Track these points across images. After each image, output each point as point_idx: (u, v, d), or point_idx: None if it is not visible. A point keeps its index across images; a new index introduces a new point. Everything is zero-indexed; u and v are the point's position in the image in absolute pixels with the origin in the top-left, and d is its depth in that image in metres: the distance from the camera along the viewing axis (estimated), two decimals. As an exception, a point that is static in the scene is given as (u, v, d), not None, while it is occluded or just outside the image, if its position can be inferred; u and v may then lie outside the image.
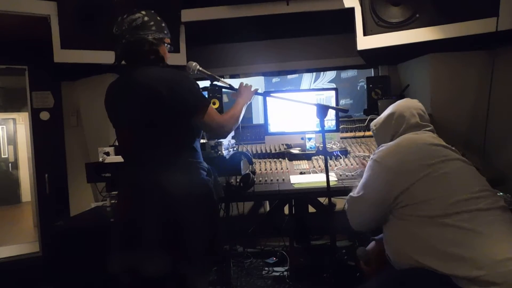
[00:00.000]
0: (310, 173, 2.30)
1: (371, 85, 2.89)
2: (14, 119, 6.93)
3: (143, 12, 1.52)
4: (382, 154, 1.46)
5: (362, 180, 1.51)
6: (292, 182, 2.18)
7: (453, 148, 1.49)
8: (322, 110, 1.73)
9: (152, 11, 1.57)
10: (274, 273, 2.82)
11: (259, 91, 1.95)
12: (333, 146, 2.58)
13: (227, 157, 2.15)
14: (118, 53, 1.54)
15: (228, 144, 2.35)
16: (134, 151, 1.58)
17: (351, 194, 1.56)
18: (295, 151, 2.55)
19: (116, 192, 2.24)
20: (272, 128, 2.63)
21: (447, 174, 1.33)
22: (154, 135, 1.52)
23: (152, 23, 1.52)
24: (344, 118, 2.85)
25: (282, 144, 2.70)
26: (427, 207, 1.28)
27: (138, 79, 1.50)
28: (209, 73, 1.88)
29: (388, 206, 1.38)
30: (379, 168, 1.44)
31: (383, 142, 1.60)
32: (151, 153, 1.52)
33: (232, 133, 2.52)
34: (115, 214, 1.64)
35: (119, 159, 1.80)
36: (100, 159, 2.17)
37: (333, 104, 2.63)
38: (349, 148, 2.56)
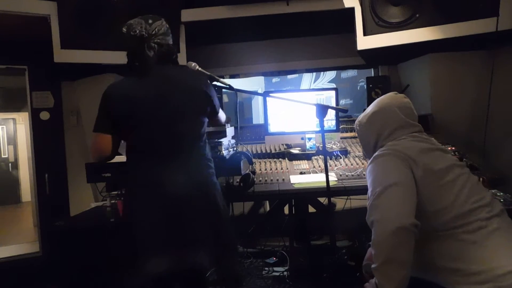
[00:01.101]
0: (310, 173, 2.30)
1: (371, 85, 2.88)
2: (14, 119, 6.94)
3: (163, 18, 1.66)
4: (379, 154, 1.38)
5: (371, 183, 1.32)
6: (292, 182, 2.18)
7: (447, 149, 1.45)
8: (322, 110, 1.73)
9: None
10: (274, 273, 2.81)
11: (259, 91, 1.95)
12: (333, 146, 2.59)
13: (227, 157, 2.15)
14: (143, 54, 1.58)
15: (228, 144, 2.35)
16: (161, 148, 1.57)
17: (370, 201, 1.29)
18: (295, 151, 2.55)
19: (116, 192, 2.23)
20: (272, 128, 2.63)
21: (451, 183, 1.28)
22: (190, 126, 1.61)
23: (169, 30, 1.68)
24: (344, 118, 2.85)
25: (282, 144, 2.70)
26: (431, 220, 1.23)
27: (175, 73, 1.64)
28: (208, 73, 1.88)
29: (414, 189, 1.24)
30: (384, 159, 1.33)
31: (367, 143, 1.53)
32: (184, 146, 1.59)
33: (232, 133, 2.53)
34: (133, 214, 1.55)
35: (120, 159, 1.78)
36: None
37: (333, 104, 2.63)
38: (349, 148, 2.56)
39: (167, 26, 1.65)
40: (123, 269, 1.52)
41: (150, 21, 1.59)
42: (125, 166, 1.67)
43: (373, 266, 1.20)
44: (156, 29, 1.59)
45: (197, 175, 1.58)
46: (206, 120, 1.68)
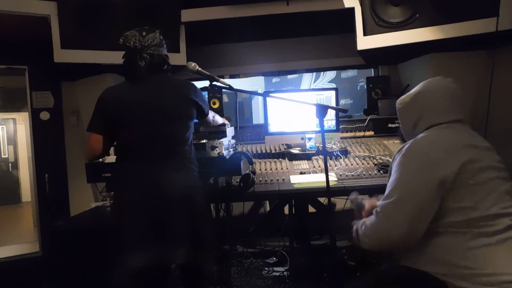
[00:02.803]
0: (310, 173, 2.30)
1: (371, 85, 2.89)
2: (14, 119, 6.93)
3: (158, 31, 1.78)
4: (412, 148, 1.32)
5: (392, 182, 1.30)
6: (292, 182, 2.18)
7: (489, 145, 1.37)
8: (322, 110, 1.73)
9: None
10: (274, 273, 2.82)
11: (259, 91, 1.97)
12: (333, 146, 2.58)
13: (227, 157, 2.15)
14: (135, 64, 1.71)
15: (228, 144, 2.35)
16: (146, 149, 1.70)
17: (379, 202, 1.33)
18: (295, 151, 2.55)
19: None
20: (272, 128, 2.63)
21: (481, 185, 1.23)
22: (175, 130, 1.73)
23: (164, 41, 1.79)
24: (344, 118, 2.84)
25: (282, 144, 2.70)
26: (451, 216, 1.22)
27: (164, 82, 1.77)
28: (208, 73, 1.89)
29: (433, 208, 1.22)
30: (412, 162, 1.29)
31: (406, 126, 1.48)
32: (169, 148, 1.72)
33: (232, 133, 2.53)
34: (125, 211, 1.65)
35: (120, 158, 1.84)
36: (100, 159, 2.17)
37: (333, 104, 2.63)
38: (349, 148, 2.56)
39: (161, 37, 1.78)
40: (112, 265, 1.62)
41: (144, 33, 1.73)
42: (114, 165, 1.83)
43: (361, 232, 1.36)
44: (149, 41, 1.72)
45: (179, 177, 1.69)
46: (192, 125, 1.81)
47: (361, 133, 2.80)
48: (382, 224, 1.28)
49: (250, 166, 2.27)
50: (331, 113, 2.60)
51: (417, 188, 1.24)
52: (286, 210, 2.77)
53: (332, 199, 1.76)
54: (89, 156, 1.77)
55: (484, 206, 1.21)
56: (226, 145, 2.23)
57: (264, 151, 2.64)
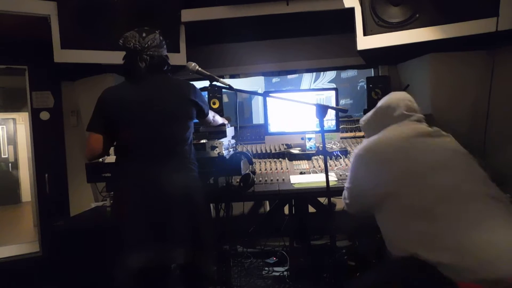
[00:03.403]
0: (310, 173, 2.30)
1: (371, 85, 2.88)
2: (14, 119, 6.93)
3: (158, 31, 1.78)
4: (363, 149, 1.54)
5: (350, 173, 1.62)
6: (292, 182, 2.18)
7: (445, 133, 1.52)
8: (322, 110, 1.73)
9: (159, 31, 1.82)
10: (274, 273, 2.82)
11: (259, 91, 1.97)
12: (333, 146, 2.59)
13: (227, 157, 2.15)
14: (135, 65, 1.73)
15: (228, 144, 2.35)
16: (146, 149, 1.70)
17: (345, 184, 1.68)
18: (295, 151, 2.55)
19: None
20: (272, 128, 2.63)
21: (433, 186, 1.33)
22: (175, 130, 1.74)
23: (164, 42, 1.79)
24: (344, 118, 2.84)
25: (282, 144, 2.70)
26: (413, 201, 1.33)
27: (164, 82, 1.78)
28: (208, 73, 1.89)
29: (373, 201, 1.45)
30: (361, 163, 1.53)
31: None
32: (169, 148, 1.73)
33: (232, 133, 2.53)
34: (125, 211, 1.66)
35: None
36: (100, 159, 2.17)
37: (333, 104, 2.63)
38: (349, 148, 2.56)
39: (161, 38, 1.78)
40: (112, 265, 1.63)
41: (144, 35, 1.73)
42: (114, 165, 1.82)
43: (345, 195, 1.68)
44: (149, 42, 1.72)
45: (179, 177, 1.70)
46: (192, 125, 1.82)
47: (361, 133, 2.80)
48: (344, 202, 1.69)
49: (250, 166, 2.27)
50: (331, 113, 2.60)
51: (363, 189, 1.52)
52: (286, 210, 2.77)
53: (332, 199, 1.76)
54: (89, 155, 1.78)
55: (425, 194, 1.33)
56: (226, 145, 2.23)
57: (264, 151, 2.64)
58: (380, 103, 1.68)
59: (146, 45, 1.71)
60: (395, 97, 1.65)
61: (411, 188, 1.35)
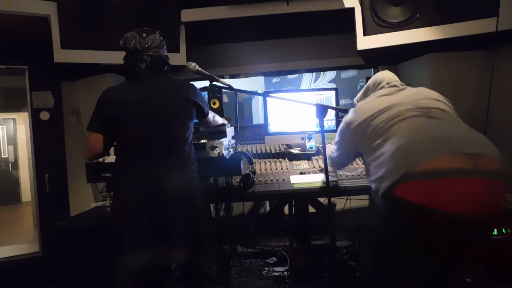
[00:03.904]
0: (310, 173, 2.30)
1: (371, 85, 2.88)
2: (14, 119, 6.93)
3: (158, 32, 1.79)
4: (348, 118, 1.70)
5: (336, 140, 1.83)
6: (292, 182, 2.18)
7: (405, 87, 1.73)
8: (322, 110, 1.73)
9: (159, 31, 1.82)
10: (274, 273, 2.82)
11: (259, 91, 1.97)
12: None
13: (227, 157, 2.15)
14: (136, 65, 1.73)
15: (228, 144, 2.35)
16: (146, 149, 1.71)
17: (330, 154, 1.93)
18: (295, 151, 2.55)
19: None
20: (272, 128, 2.63)
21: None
22: (175, 130, 1.74)
23: (164, 42, 1.79)
24: (344, 118, 2.84)
25: (282, 144, 2.70)
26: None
27: (164, 82, 1.78)
28: (208, 73, 1.89)
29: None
30: (346, 130, 1.71)
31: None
32: (169, 148, 1.73)
33: (232, 133, 2.53)
34: (125, 211, 1.65)
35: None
36: (100, 159, 2.17)
37: (333, 104, 2.63)
38: (349, 148, 2.56)
39: (161, 38, 1.78)
40: (112, 265, 1.62)
41: (144, 35, 1.73)
42: (114, 164, 1.83)
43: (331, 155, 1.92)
44: (149, 43, 1.72)
45: (179, 177, 1.71)
46: (192, 125, 1.82)
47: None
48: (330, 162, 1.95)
49: (250, 166, 2.27)
50: (331, 113, 2.60)
51: (341, 144, 1.79)
52: (286, 210, 2.77)
53: (332, 199, 1.77)
54: (89, 155, 1.78)
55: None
56: (226, 145, 2.23)
57: (264, 151, 2.65)
58: (369, 81, 1.84)
59: (147, 46, 1.72)
60: (381, 74, 1.82)
61: (380, 116, 1.56)
